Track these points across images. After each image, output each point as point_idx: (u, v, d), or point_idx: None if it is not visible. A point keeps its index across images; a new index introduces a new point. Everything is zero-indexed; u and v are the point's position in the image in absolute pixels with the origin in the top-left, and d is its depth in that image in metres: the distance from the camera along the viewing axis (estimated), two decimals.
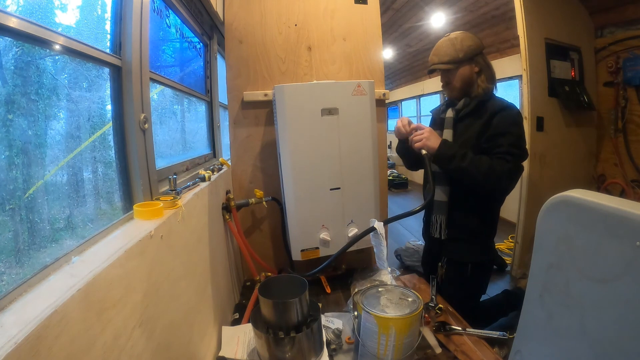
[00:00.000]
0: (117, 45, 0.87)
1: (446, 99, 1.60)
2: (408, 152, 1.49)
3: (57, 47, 0.67)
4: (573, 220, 0.63)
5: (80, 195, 0.83)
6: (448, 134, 1.45)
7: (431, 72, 1.56)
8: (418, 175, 6.74)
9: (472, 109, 1.43)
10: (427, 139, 1.35)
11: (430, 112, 1.70)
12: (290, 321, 0.95)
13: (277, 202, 1.54)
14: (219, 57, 2.02)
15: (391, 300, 0.96)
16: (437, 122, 1.54)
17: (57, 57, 0.73)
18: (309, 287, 0.97)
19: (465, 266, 1.49)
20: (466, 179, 1.34)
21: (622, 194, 2.56)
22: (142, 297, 0.65)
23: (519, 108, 1.44)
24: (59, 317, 0.43)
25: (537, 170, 2.54)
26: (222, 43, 1.80)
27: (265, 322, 0.97)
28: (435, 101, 5.95)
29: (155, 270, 0.72)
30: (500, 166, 1.29)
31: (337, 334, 1.09)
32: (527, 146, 1.39)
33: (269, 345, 0.93)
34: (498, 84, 1.50)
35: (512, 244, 3.16)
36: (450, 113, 1.48)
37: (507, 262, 3.17)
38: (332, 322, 1.16)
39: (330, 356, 1.02)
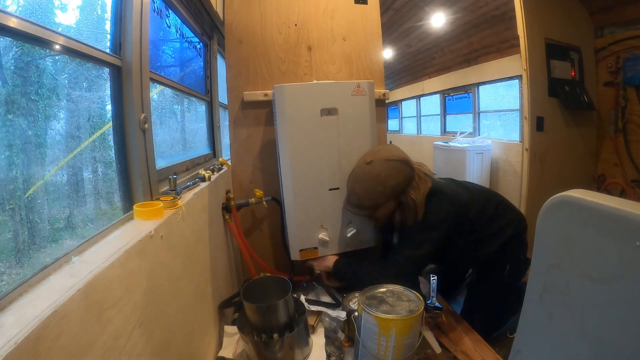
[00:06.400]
0: (117, 45, 0.87)
1: None
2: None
3: (57, 47, 0.67)
4: (573, 220, 0.63)
5: (80, 195, 0.83)
6: None
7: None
8: None
9: None
10: (319, 263, 1.35)
11: None
12: (276, 323, 0.94)
13: (277, 202, 1.54)
14: (219, 57, 2.02)
15: (392, 301, 0.96)
16: None
17: (57, 57, 0.73)
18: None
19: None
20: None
21: (622, 194, 2.55)
22: (142, 297, 0.65)
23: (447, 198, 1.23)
24: (59, 317, 0.43)
25: (537, 170, 2.53)
26: (222, 43, 1.81)
27: (251, 325, 0.97)
28: (435, 101, 5.94)
29: (155, 270, 0.72)
30: (386, 270, 1.23)
31: (339, 345, 1.07)
32: (527, 146, 1.30)
33: (256, 348, 0.93)
34: (498, 84, 1.43)
35: None
36: None
37: None
38: (336, 330, 1.12)
39: None
